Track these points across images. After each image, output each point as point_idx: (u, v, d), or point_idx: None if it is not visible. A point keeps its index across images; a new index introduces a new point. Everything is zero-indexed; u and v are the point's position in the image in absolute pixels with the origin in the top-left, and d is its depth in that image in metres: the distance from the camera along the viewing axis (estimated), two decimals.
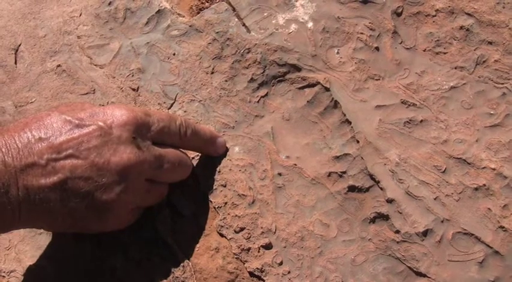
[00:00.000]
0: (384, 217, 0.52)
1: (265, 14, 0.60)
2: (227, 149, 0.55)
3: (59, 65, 0.61)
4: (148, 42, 0.60)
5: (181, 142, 0.51)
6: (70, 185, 0.42)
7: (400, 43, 0.59)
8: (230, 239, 0.52)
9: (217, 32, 0.60)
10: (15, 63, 0.62)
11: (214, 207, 0.54)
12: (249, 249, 0.52)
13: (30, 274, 0.53)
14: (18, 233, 0.55)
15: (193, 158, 0.56)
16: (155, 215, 0.53)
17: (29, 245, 0.54)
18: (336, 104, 0.56)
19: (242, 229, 0.52)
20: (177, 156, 0.50)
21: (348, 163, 0.54)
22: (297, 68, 0.58)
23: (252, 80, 0.58)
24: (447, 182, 0.52)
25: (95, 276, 0.52)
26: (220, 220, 0.53)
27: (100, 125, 0.44)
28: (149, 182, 0.48)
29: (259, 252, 0.52)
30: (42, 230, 0.54)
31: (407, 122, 0.55)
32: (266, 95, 0.58)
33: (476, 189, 0.52)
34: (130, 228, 0.52)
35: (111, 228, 0.49)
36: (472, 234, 0.50)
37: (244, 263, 0.52)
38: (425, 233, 0.50)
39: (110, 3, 0.63)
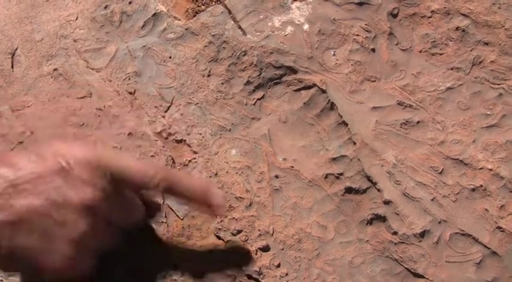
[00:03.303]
0: (381, 218, 0.52)
1: (261, 17, 0.60)
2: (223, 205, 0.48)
3: (55, 69, 0.61)
4: (144, 46, 0.60)
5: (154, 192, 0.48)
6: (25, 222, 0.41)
7: (396, 44, 0.59)
8: (227, 241, 0.52)
9: (213, 35, 0.60)
10: (12, 67, 0.62)
11: None
12: None
13: None
14: None
15: (190, 160, 0.56)
16: (152, 217, 0.53)
17: None
18: (332, 106, 0.56)
19: (239, 232, 0.52)
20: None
21: (345, 165, 0.54)
22: (293, 70, 0.58)
23: (248, 82, 0.58)
24: (444, 183, 0.52)
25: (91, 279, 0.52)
26: (218, 223, 0.53)
27: (61, 163, 0.43)
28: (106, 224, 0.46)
29: (256, 254, 0.52)
30: None
31: (404, 123, 0.55)
32: (262, 97, 0.58)
33: (473, 189, 0.52)
34: (126, 229, 0.51)
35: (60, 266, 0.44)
36: (470, 235, 0.50)
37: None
38: (422, 234, 0.50)
39: (106, 7, 0.63)
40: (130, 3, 0.62)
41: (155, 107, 0.58)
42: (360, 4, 0.60)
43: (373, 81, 0.57)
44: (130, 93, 0.59)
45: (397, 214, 0.51)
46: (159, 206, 0.53)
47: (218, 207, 0.47)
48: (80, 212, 0.42)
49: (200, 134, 0.57)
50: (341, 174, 0.54)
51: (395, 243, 0.51)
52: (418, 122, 0.55)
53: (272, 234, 0.52)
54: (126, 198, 0.47)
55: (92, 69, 0.60)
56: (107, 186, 0.44)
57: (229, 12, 0.61)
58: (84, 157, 0.43)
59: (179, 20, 0.62)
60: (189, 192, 0.47)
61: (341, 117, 0.56)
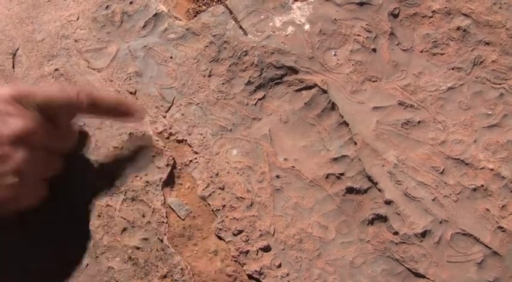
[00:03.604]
0: (382, 218, 0.52)
1: (262, 17, 0.60)
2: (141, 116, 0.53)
3: (56, 69, 0.61)
4: (145, 46, 0.60)
5: (80, 112, 0.51)
6: None
7: (397, 44, 0.59)
8: (228, 241, 0.52)
9: (214, 35, 0.60)
10: (13, 67, 0.62)
11: (213, 210, 0.54)
12: (247, 251, 0.52)
13: None
14: None
15: (191, 160, 0.56)
16: (153, 217, 0.53)
17: None
18: (333, 106, 0.56)
19: (240, 232, 0.52)
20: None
21: (346, 165, 0.54)
22: (294, 71, 0.58)
23: (249, 82, 0.58)
24: (445, 183, 0.52)
25: (93, 278, 0.52)
26: (219, 223, 0.53)
27: None
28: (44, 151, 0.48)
29: (257, 254, 0.52)
30: None
31: (405, 123, 0.55)
32: (263, 97, 0.58)
33: (474, 189, 0.52)
34: (127, 230, 0.51)
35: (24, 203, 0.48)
36: (471, 235, 0.50)
37: (242, 266, 0.52)
38: (423, 234, 0.50)
39: (107, 7, 0.63)
40: (131, 3, 0.62)
41: (156, 107, 0.58)
42: (361, 4, 0.60)
43: (374, 81, 0.57)
44: (131, 93, 0.59)
45: (398, 214, 0.51)
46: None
47: (138, 116, 0.50)
48: (14, 144, 0.45)
49: (201, 134, 0.57)
50: (342, 174, 0.54)
51: (396, 243, 0.51)
52: (419, 122, 0.55)
53: (273, 235, 0.52)
54: (59, 124, 0.49)
55: (93, 69, 0.60)
56: (36, 115, 0.46)
57: (230, 12, 0.61)
58: (7, 93, 0.46)
59: (180, 20, 0.62)
60: (109, 106, 0.50)
61: (342, 117, 0.56)
